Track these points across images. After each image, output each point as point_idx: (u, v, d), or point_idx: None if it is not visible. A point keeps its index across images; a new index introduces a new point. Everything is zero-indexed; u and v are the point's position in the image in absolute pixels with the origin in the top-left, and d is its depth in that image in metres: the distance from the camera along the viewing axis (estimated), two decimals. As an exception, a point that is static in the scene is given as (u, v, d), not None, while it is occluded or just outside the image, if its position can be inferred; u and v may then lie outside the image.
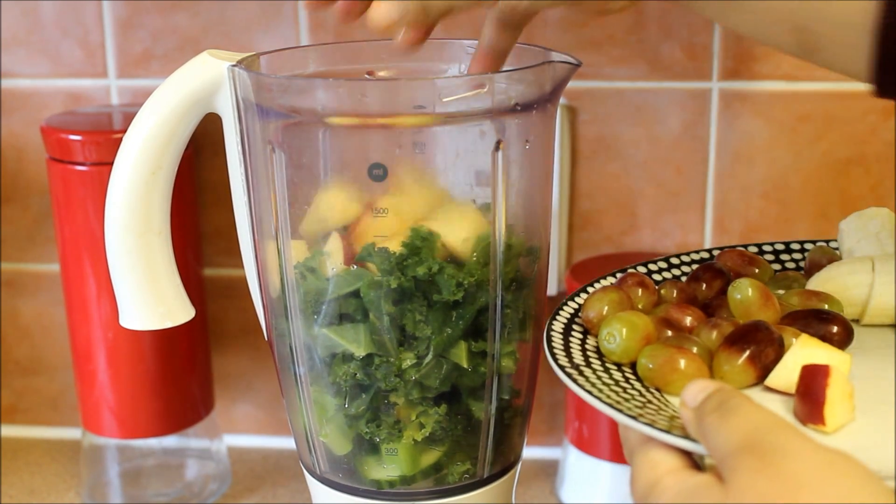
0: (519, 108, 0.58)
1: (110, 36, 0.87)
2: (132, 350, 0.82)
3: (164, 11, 0.86)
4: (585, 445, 0.84)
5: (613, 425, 0.82)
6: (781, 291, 0.62)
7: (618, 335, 0.55)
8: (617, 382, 0.53)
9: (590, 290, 0.62)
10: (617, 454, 0.83)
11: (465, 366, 0.60)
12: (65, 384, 0.96)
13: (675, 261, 0.66)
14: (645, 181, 0.87)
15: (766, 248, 0.68)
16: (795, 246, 0.68)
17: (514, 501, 0.68)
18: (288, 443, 0.95)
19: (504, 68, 0.64)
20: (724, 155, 0.86)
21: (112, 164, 0.61)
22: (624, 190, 0.87)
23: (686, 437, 0.46)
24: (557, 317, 0.59)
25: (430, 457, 0.62)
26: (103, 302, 0.81)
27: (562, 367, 0.53)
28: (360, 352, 0.60)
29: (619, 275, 0.63)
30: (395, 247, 0.59)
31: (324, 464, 0.64)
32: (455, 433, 0.62)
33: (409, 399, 0.60)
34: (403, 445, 0.61)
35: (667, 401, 0.53)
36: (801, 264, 0.67)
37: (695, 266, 0.65)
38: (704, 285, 0.62)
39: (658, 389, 0.54)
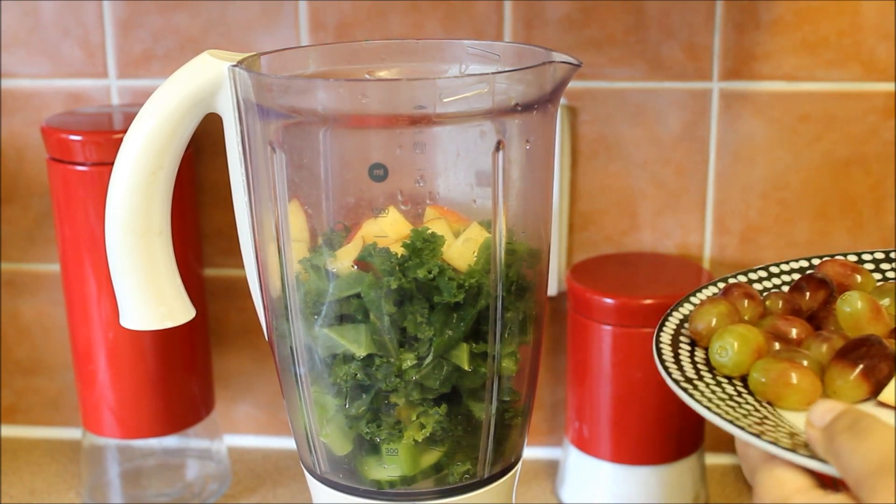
0: (519, 108, 0.58)
1: (110, 36, 0.87)
2: (132, 350, 0.82)
3: (165, 11, 0.86)
4: (585, 445, 0.84)
5: (614, 426, 0.82)
6: (887, 301, 0.61)
7: (730, 349, 0.55)
8: (731, 397, 0.53)
9: (693, 300, 0.62)
10: (617, 454, 0.83)
11: (466, 367, 0.60)
12: (65, 384, 0.96)
13: (774, 269, 0.66)
14: (645, 181, 0.87)
15: (866, 256, 0.67)
16: (895, 255, 0.67)
17: (514, 501, 0.68)
18: (288, 443, 0.95)
19: (505, 68, 0.64)
20: (725, 155, 0.86)
21: (112, 164, 0.61)
22: (624, 190, 0.87)
23: (812, 456, 0.46)
24: (664, 328, 0.59)
25: (431, 457, 0.62)
26: (103, 302, 0.81)
27: (676, 382, 0.53)
28: (360, 352, 0.59)
29: (720, 284, 0.63)
30: (397, 247, 0.59)
31: (324, 464, 0.64)
32: (455, 433, 0.62)
33: (410, 400, 0.60)
34: (404, 446, 0.61)
35: (780, 416, 0.53)
36: None
37: (794, 275, 0.65)
38: (808, 295, 0.62)
39: (770, 403, 0.54)
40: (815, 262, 0.66)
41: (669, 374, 0.54)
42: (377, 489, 0.63)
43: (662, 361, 0.55)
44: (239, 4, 0.85)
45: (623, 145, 0.86)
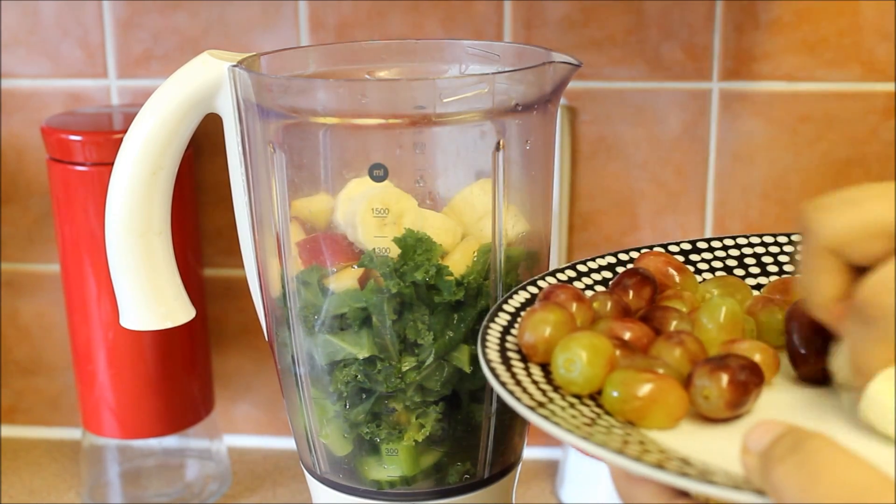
0: (519, 108, 0.58)
1: (110, 36, 0.87)
2: (132, 350, 0.82)
3: (165, 11, 0.86)
4: (585, 446, 0.84)
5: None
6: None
7: (578, 361, 0.47)
8: (594, 421, 0.45)
9: (507, 308, 0.54)
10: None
11: (467, 369, 0.60)
12: (65, 384, 0.96)
13: (582, 268, 0.59)
14: (645, 181, 0.87)
15: (672, 248, 0.61)
16: (703, 245, 0.62)
17: (514, 502, 0.68)
18: (288, 443, 0.95)
19: (505, 68, 0.64)
20: (724, 155, 0.86)
21: (112, 164, 0.61)
22: (624, 190, 0.87)
23: (738, 487, 0.38)
24: (487, 345, 0.50)
25: (431, 457, 0.62)
26: (103, 302, 0.81)
27: (531, 409, 0.44)
28: (362, 354, 0.59)
29: (530, 288, 0.56)
30: (395, 250, 0.59)
31: (324, 464, 0.64)
32: (455, 434, 0.62)
33: (410, 402, 0.60)
34: (404, 446, 0.61)
35: (651, 439, 0.45)
36: (714, 264, 0.61)
37: (605, 272, 0.59)
38: (632, 294, 0.55)
39: (631, 423, 0.46)
40: (623, 256, 0.60)
41: (520, 401, 0.44)
42: (377, 489, 0.63)
43: (503, 385, 0.45)
44: (239, 4, 0.85)
45: (623, 145, 0.86)
